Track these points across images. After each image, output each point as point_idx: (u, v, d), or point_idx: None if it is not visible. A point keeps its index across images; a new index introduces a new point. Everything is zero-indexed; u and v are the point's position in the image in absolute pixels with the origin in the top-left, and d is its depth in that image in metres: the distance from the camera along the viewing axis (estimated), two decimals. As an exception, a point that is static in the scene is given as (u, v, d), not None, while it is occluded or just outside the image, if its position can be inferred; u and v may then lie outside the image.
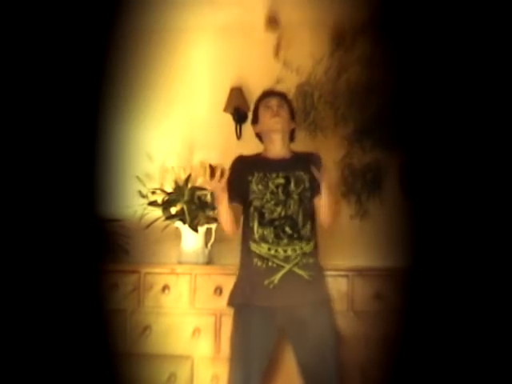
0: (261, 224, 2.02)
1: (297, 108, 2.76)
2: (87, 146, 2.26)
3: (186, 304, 2.43)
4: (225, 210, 1.98)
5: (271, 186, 2.04)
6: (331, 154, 2.76)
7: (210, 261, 2.70)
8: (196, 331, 2.39)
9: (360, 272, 2.36)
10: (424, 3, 2.44)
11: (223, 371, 2.11)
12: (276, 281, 1.96)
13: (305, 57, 2.85)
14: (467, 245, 1.99)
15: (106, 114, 2.92)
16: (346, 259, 2.68)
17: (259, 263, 1.99)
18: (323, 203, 2.01)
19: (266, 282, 1.97)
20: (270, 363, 2.13)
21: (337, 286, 2.33)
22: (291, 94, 2.78)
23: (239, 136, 2.91)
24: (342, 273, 2.36)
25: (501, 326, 1.85)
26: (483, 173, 1.99)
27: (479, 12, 2.00)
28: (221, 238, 2.63)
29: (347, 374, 2.21)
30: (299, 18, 2.88)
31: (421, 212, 2.46)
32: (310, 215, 2.06)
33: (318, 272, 2.06)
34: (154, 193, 2.72)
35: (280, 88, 2.53)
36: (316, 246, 2.07)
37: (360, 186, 2.79)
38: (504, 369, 1.81)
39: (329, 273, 2.33)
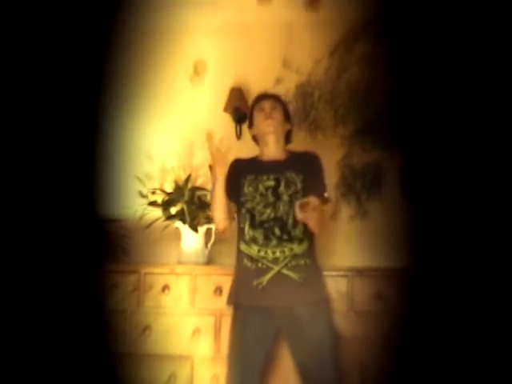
0: (251, 226, 2.02)
1: (297, 108, 2.77)
2: (87, 146, 2.26)
3: (186, 304, 2.43)
4: (220, 190, 2.00)
5: (261, 188, 2.05)
6: (331, 154, 2.76)
7: (209, 261, 2.70)
8: (196, 331, 2.39)
9: (360, 272, 2.36)
10: (424, 3, 2.44)
11: (223, 371, 2.10)
12: (264, 282, 1.96)
13: (305, 57, 2.85)
14: (467, 245, 1.99)
15: (106, 114, 2.93)
16: (346, 259, 2.68)
17: (249, 264, 2.00)
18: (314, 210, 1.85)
19: (255, 283, 1.97)
20: (269, 362, 2.13)
21: (337, 286, 2.32)
22: (291, 94, 2.78)
23: (239, 136, 2.91)
24: (342, 273, 2.36)
25: (501, 325, 1.85)
26: (483, 173, 1.99)
27: (479, 12, 2.00)
28: (221, 238, 2.63)
29: (347, 373, 2.22)
30: (299, 17, 2.88)
31: (421, 212, 2.46)
32: None
33: (312, 273, 2.03)
34: (154, 193, 2.73)
35: (280, 88, 2.53)
36: (310, 247, 2.04)
37: (360, 186, 2.79)
38: (504, 369, 1.81)
39: (329, 273, 2.33)
